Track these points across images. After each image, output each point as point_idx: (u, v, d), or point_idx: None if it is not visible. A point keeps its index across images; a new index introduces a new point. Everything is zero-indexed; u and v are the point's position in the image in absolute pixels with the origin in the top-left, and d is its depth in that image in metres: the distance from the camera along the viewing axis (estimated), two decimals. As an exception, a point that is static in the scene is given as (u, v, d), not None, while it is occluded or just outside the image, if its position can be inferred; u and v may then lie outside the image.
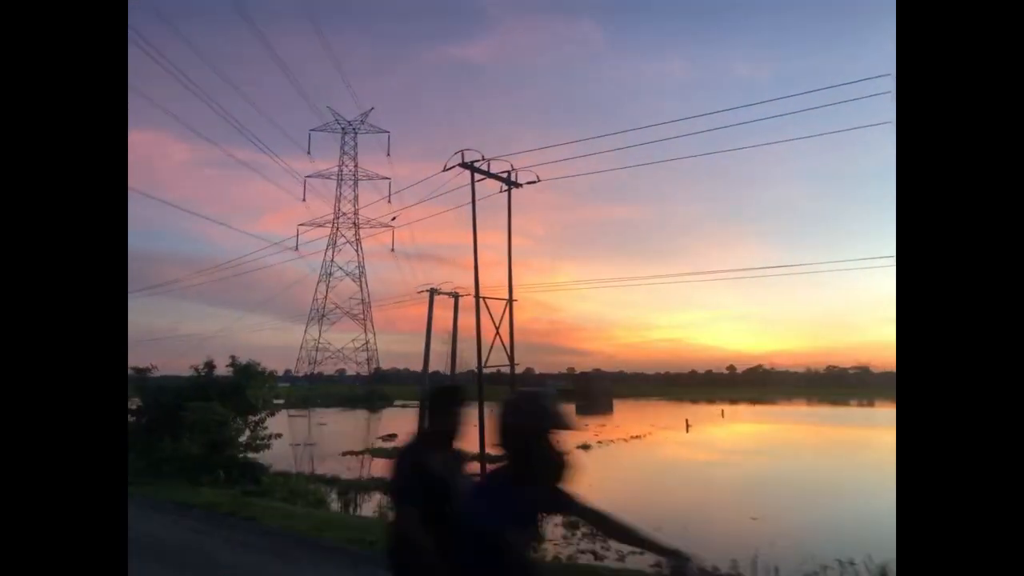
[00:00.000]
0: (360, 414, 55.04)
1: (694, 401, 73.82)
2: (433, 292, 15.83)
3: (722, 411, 56.70)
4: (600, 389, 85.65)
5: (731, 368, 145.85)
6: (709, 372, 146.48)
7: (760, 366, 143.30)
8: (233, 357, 15.41)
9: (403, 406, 60.13)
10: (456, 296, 16.19)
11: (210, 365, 15.63)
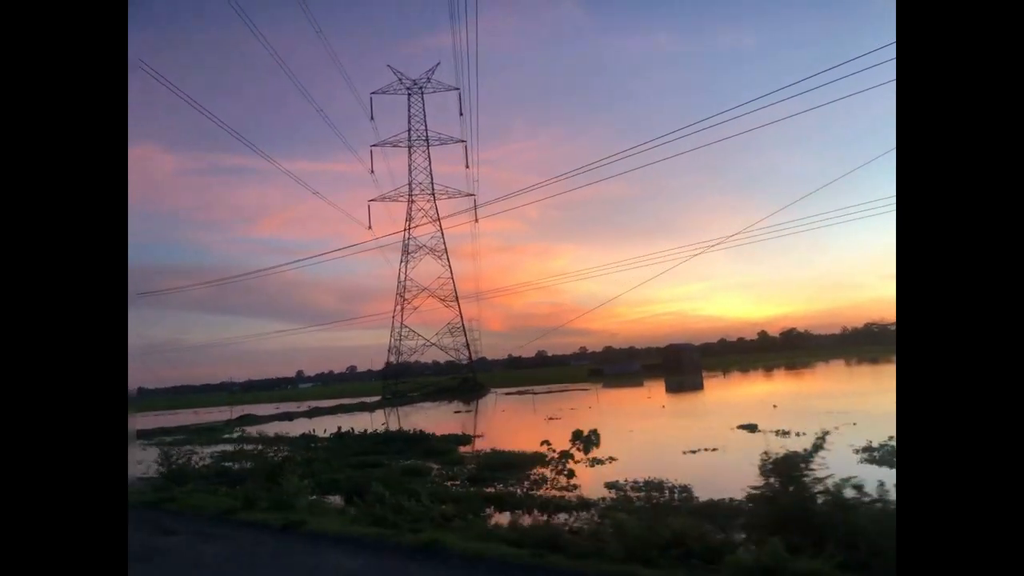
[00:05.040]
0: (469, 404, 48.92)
1: (726, 372, 72.66)
2: None
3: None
4: (690, 363, 78.94)
5: (762, 334, 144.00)
6: (741, 339, 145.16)
7: (794, 329, 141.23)
8: None
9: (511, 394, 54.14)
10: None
11: None
